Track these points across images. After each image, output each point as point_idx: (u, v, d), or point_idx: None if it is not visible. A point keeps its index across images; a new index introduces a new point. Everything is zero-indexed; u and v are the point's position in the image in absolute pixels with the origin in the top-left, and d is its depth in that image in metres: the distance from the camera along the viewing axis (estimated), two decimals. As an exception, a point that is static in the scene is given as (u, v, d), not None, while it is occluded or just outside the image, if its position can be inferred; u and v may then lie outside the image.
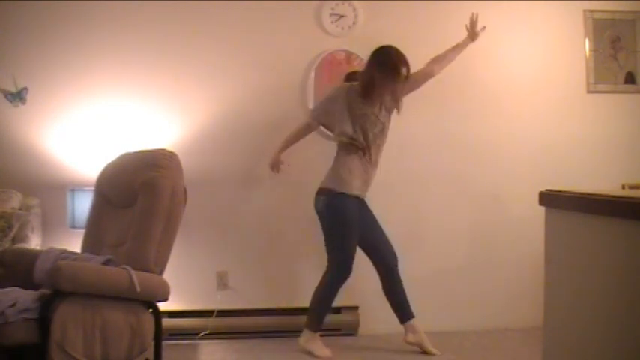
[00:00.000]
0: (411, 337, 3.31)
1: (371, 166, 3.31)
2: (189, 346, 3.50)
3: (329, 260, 3.29)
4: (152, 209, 2.76)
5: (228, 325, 3.29)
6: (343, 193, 3.26)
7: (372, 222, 3.39)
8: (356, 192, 3.29)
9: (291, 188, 3.68)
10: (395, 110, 3.38)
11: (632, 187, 3.65)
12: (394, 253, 3.38)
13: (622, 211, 1.49)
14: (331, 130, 3.43)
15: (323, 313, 3.33)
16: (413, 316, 3.33)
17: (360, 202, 3.34)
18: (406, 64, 3.25)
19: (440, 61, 3.45)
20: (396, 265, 3.37)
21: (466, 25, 3.53)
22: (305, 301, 3.67)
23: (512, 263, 3.84)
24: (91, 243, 3.03)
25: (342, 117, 3.26)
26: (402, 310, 3.33)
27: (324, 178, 3.32)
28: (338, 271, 3.27)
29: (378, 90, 3.25)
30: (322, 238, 3.34)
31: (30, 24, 3.56)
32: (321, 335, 3.63)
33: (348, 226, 3.28)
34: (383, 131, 3.32)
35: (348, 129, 3.24)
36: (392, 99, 3.34)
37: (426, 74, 3.44)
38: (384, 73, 3.23)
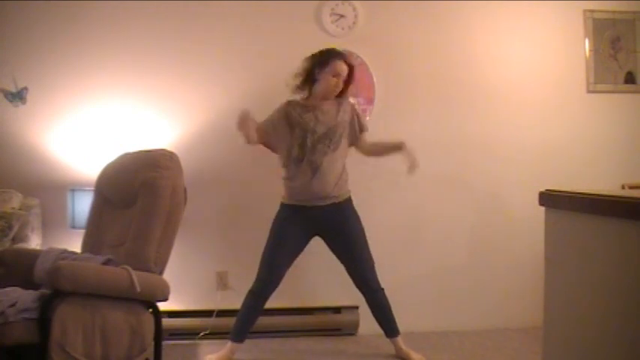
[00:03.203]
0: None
1: (313, 171, 3.08)
2: (189, 346, 3.50)
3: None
4: (152, 209, 2.76)
5: (228, 325, 3.28)
6: (282, 203, 3.22)
7: (341, 233, 3.19)
8: (294, 201, 3.16)
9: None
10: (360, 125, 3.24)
11: (632, 187, 3.65)
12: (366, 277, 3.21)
13: (622, 211, 1.48)
14: (274, 150, 3.25)
15: (238, 322, 3.20)
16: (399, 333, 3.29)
17: (314, 211, 3.13)
18: (343, 62, 3.15)
19: (377, 150, 3.29)
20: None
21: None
22: (305, 301, 3.67)
23: (512, 263, 3.84)
24: (91, 243, 3.03)
25: (282, 132, 3.15)
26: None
27: None
28: (255, 282, 3.17)
29: (319, 86, 3.14)
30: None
31: (30, 24, 3.56)
32: (322, 335, 3.64)
33: (274, 238, 3.17)
34: (329, 135, 3.11)
35: (286, 144, 3.13)
36: (342, 103, 3.20)
37: (363, 148, 3.28)
38: (321, 65, 3.13)
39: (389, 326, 3.28)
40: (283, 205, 3.22)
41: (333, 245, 3.23)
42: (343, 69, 3.16)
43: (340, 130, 3.16)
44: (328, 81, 3.14)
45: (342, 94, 3.24)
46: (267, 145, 3.26)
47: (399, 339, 3.29)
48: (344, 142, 3.20)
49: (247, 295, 3.19)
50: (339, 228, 3.19)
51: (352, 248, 3.20)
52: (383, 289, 3.23)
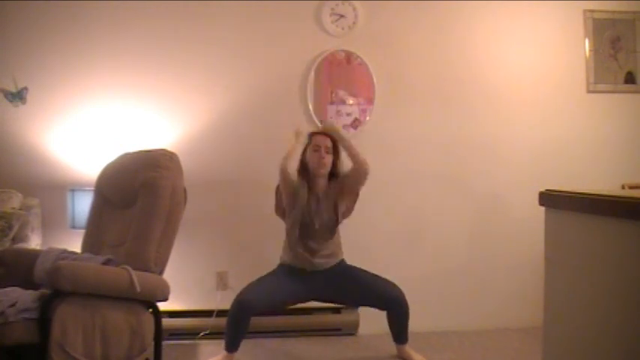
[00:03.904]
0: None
1: (311, 254, 3.16)
2: (189, 346, 3.50)
3: None
4: (152, 209, 2.76)
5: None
6: (280, 264, 3.26)
7: (351, 286, 3.19)
8: (288, 261, 3.22)
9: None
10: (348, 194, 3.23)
11: (632, 187, 3.65)
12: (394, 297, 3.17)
13: (622, 211, 1.48)
14: (284, 189, 3.23)
15: (227, 333, 3.07)
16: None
17: (314, 276, 3.17)
18: (322, 135, 3.20)
19: (356, 162, 3.18)
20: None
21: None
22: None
23: (512, 263, 3.84)
24: (91, 243, 3.04)
25: (292, 191, 3.19)
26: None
27: None
28: (233, 302, 3.04)
29: (310, 167, 3.18)
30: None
31: (30, 24, 3.56)
32: (322, 335, 3.64)
33: (271, 278, 3.17)
34: (328, 226, 3.17)
35: (292, 208, 3.17)
36: (333, 187, 3.21)
37: (358, 173, 3.19)
38: (305, 149, 3.23)
39: (400, 334, 3.25)
40: (281, 265, 3.25)
41: (343, 301, 3.33)
42: (322, 139, 3.18)
43: (338, 218, 3.19)
44: (312, 157, 3.17)
45: (335, 170, 3.23)
46: (284, 180, 3.20)
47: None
48: (341, 220, 3.22)
49: (230, 313, 3.05)
50: (343, 289, 3.20)
51: (363, 291, 3.20)
52: (406, 301, 3.18)
